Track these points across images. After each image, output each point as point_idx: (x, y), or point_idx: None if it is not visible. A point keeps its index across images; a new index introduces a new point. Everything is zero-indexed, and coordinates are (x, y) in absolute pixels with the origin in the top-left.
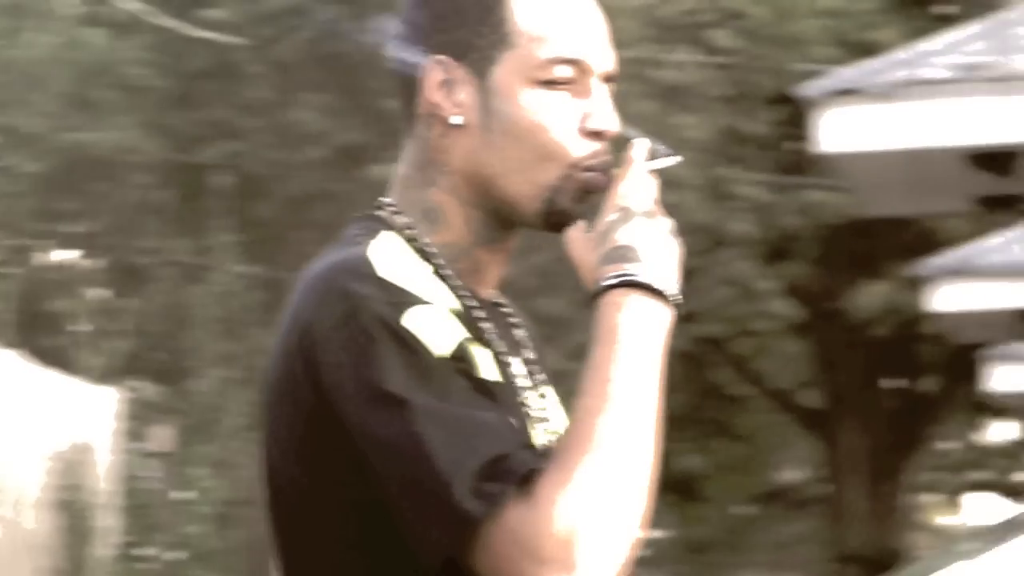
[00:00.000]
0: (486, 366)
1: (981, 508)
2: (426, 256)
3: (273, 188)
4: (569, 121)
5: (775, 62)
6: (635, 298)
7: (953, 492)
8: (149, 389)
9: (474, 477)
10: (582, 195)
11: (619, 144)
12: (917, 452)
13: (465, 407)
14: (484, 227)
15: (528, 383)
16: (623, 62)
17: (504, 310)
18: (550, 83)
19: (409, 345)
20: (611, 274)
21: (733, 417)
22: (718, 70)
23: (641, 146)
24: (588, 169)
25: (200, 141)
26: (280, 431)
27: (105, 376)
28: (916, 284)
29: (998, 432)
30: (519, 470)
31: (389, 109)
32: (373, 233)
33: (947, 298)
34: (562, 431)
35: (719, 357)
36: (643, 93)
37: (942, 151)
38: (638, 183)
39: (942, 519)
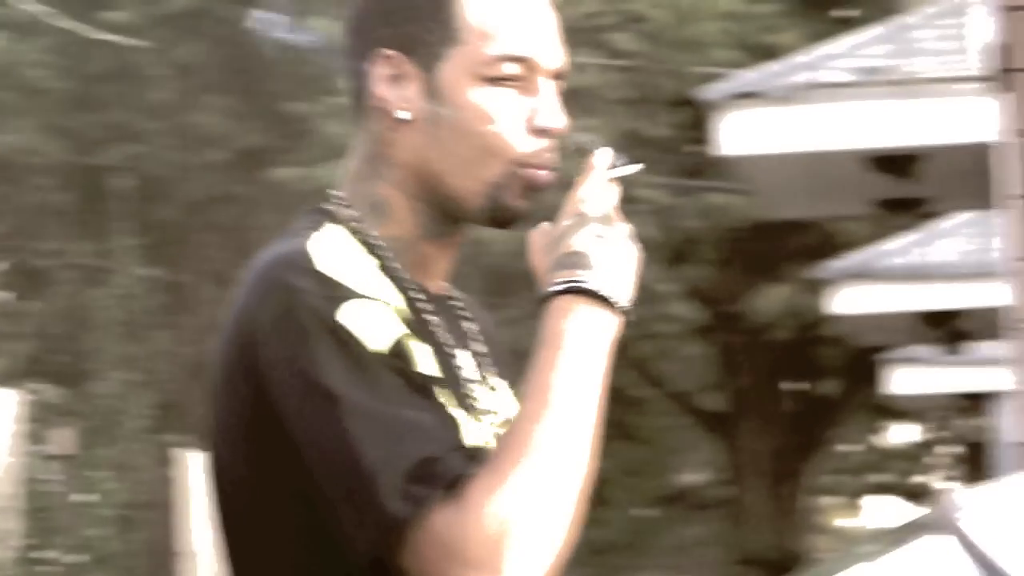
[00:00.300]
0: (424, 361)
1: (881, 511)
2: (372, 249)
3: (174, 191)
4: (515, 118)
5: (676, 65)
6: (582, 305)
7: (854, 495)
8: (50, 391)
9: (402, 479)
10: (527, 192)
11: (580, 153)
12: (818, 455)
13: (397, 406)
14: (431, 221)
15: (475, 376)
16: None
17: (453, 303)
18: (497, 80)
19: (343, 340)
20: (560, 280)
21: (635, 420)
22: (619, 73)
23: (603, 154)
24: (533, 166)
25: (101, 143)
26: (225, 424)
27: (5, 378)
28: (817, 287)
29: (898, 435)
30: (447, 474)
31: (290, 112)
32: (317, 225)
33: (847, 301)
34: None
35: (621, 359)
36: None
37: (843, 154)
38: (597, 189)
39: (843, 521)
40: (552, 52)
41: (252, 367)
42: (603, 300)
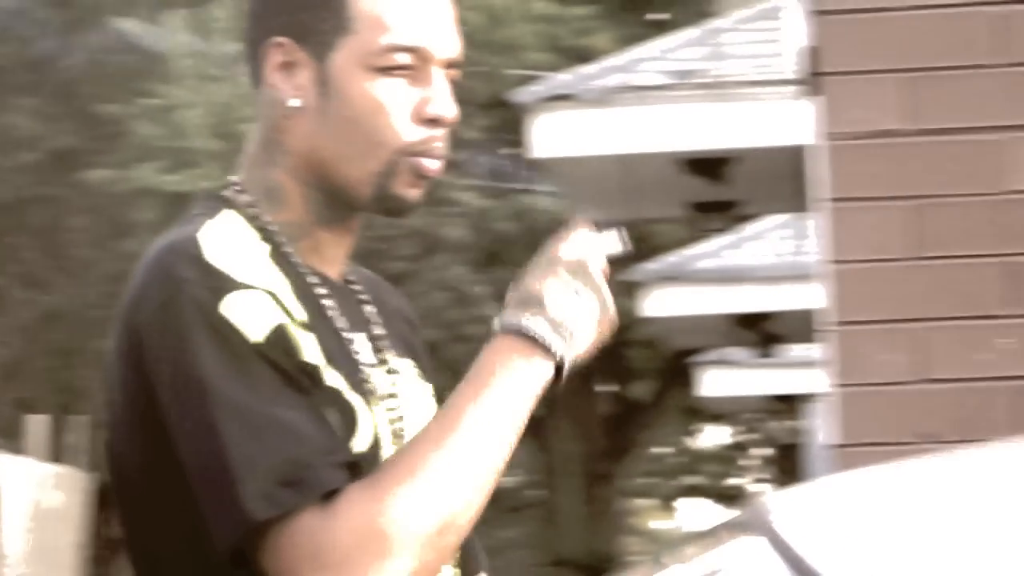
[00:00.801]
0: (310, 350)
1: (695, 513)
2: (267, 235)
3: None
4: (403, 107)
5: (490, 67)
6: (518, 346)
7: (667, 497)
8: None
9: (266, 479)
10: (414, 180)
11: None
12: (631, 457)
13: (270, 404)
14: (324, 207)
15: (372, 360)
16: None
17: (353, 287)
18: (388, 69)
19: (223, 334)
20: (509, 318)
21: None
22: None
23: (607, 233)
24: (421, 155)
25: None
26: (120, 412)
27: None
28: (629, 289)
29: (711, 437)
30: (315, 480)
31: (102, 113)
32: (212, 212)
33: (660, 303)
34: (413, 407)
35: (435, 362)
36: None
37: (656, 156)
38: (581, 242)
39: (656, 524)
40: (445, 42)
41: (139, 357)
42: (543, 347)
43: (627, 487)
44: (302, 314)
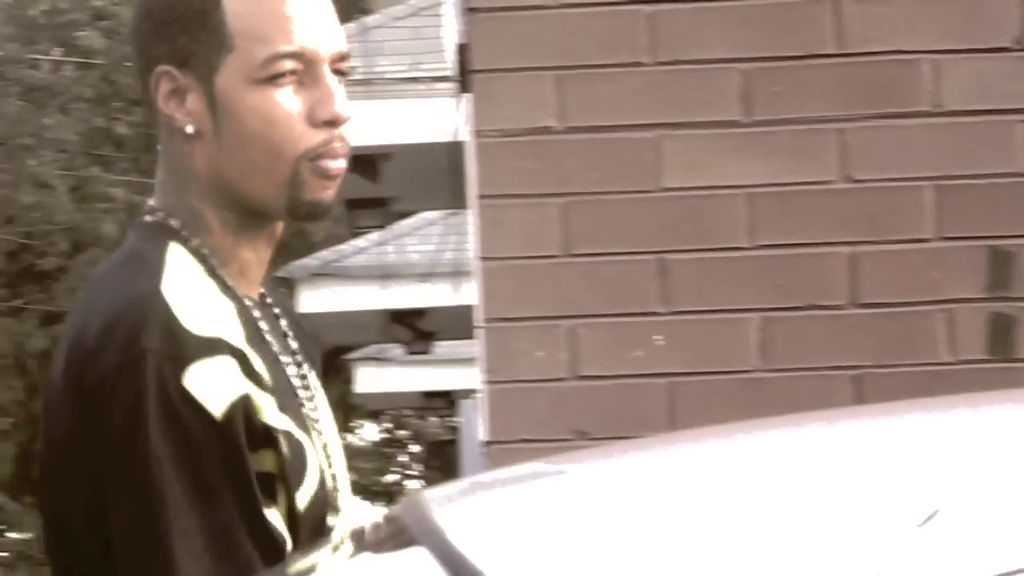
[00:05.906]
0: (268, 410)
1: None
2: (210, 267)
3: None
4: (296, 115)
5: None
6: None
7: None
8: None
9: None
10: (322, 183)
11: None
12: None
13: (211, 510)
14: (241, 227)
15: (299, 382)
16: None
17: (268, 301)
18: (274, 79)
19: (180, 412)
20: None
21: None
22: (85, 70)
23: None
24: (321, 157)
25: None
26: (56, 444)
27: None
28: (285, 286)
29: (367, 433)
30: None
31: None
32: (160, 246)
33: (315, 299)
34: (327, 421)
35: None
36: (9, 93)
37: None
38: None
39: None
40: (326, 39)
41: (86, 408)
42: None
43: None
44: (261, 366)
